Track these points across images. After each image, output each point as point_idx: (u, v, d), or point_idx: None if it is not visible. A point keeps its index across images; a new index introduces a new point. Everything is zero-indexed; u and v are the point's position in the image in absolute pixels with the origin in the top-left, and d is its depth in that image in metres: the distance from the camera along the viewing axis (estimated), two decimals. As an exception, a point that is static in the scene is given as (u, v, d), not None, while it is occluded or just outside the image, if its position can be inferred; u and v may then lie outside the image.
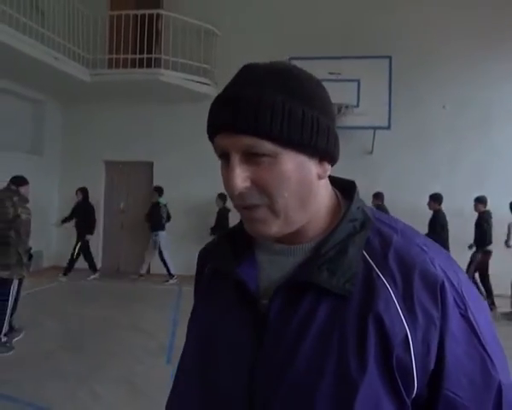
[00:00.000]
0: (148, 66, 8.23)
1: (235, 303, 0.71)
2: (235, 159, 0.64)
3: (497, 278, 6.65)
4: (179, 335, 4.86)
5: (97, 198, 9.06)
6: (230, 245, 0.77)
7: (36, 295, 6.81)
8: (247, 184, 0.64)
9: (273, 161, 0.63)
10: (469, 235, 6.90)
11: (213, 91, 8.10)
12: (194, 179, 8.72)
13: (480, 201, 6.85)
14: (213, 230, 7.81)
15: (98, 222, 8.99)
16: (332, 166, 0.70)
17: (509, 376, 0.64)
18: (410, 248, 0.66)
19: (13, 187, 4.67)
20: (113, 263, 9.31)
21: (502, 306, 6.55)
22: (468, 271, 6.60)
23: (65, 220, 8.21)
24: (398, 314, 0.61)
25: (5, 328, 4.57)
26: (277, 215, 0.66)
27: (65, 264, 8.13)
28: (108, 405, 3.55)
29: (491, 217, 6.75)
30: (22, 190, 4.74)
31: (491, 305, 6.58)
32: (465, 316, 0.63)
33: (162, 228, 8.22)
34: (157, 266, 8.46)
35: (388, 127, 7.83)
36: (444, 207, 6.85)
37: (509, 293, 6.42)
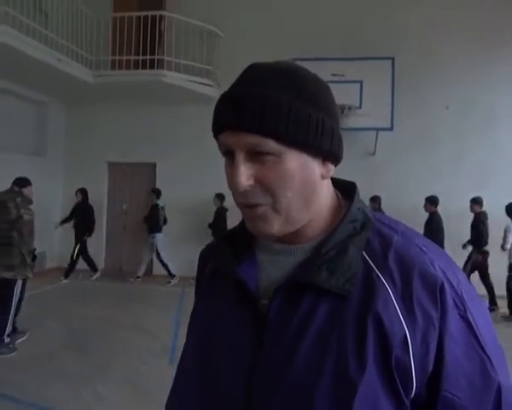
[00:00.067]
0: (151, 67, 8.24)
1: (235, 303, 0.71)
2: (240, 157, 0.64)
3: (495, 279, 6.63)
4: (182, 336, 4.80)
5: (100, 199, 9.08)
6: (231, 245, 0.77)
7: (39, 295, 6.82)
8: (251, 182, 0.65)
9: (277, 159, 0.64)
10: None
11: (216, 93, 8.09)
12: (196, 180, 8.73)
13: (476, 202, 6.83)
14: (211, 226, 7.82)
15: (101, 223, 9.01)
16: (335, 166, 0.71)
17: (509, 378, 0.64)
18: (409, 248, 0.66)
19: (16, 188, 4.68)
20: (115, 264, 9.33)
21: (500, 307, 6.56)
22: (464, 269, 6.58)
23: (64, 221, 8.21)
24: (397, 314, 0.61)
25: (8, 329, 4.57)
26: (280, 214, 0.66)
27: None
28: (111, 405, 3.56)
29: (487, 218, 6.73)
30: (25, 191, 4.75)
31: (494, 305, 6.56)
32: (464, 317, 0.63)
33: (159, 230, 8.19)
34: (159, 268, 8.47)
35: (391, 128, 7.80)
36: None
37: (505, 294, 6.44)
